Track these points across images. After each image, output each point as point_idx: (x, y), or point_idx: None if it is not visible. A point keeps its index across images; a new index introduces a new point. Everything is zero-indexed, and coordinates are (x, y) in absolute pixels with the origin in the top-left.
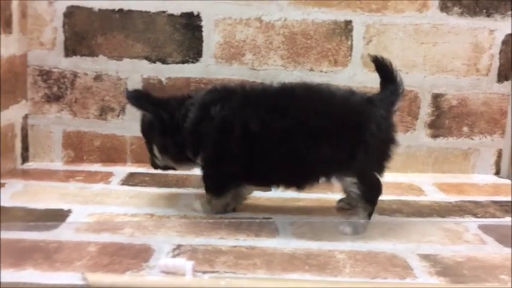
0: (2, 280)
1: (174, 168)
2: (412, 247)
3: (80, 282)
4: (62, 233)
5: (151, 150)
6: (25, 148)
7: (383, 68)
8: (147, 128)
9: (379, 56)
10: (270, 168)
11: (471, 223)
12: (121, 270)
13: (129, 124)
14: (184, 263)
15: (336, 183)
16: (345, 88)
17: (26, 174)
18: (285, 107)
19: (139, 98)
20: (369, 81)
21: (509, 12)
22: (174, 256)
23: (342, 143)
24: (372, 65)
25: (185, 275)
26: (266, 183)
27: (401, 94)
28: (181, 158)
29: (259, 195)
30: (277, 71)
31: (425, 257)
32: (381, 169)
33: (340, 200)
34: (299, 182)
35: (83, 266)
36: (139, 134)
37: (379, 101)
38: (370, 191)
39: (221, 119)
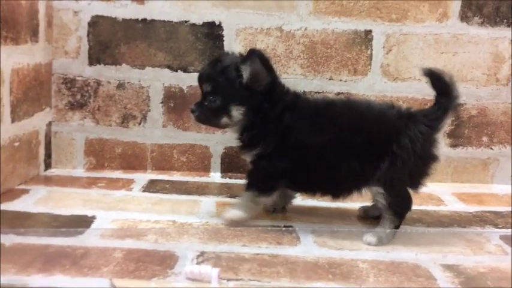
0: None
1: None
2: (434, 257)
3: (108, 287)
4: (88, 239)
5: (226, 110)
6: (48, 155)
7: (437, 81)
8: (240, 87)
9: (434, 69)
10: (312, 177)
11: (492, 233)
12: (147, 276)
13: (150, 132)
14: (210, 271)
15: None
16: (387, 102)
17: (49, 181)
18: (329, 122)
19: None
20: (388, 90)
21: None
22: (198, 263)
23: (370, 153)
24: (392, 74)
25: (211, 282)
26: (306, 189)
27: (452, 109)
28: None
29: None
30: (297, 80)
31: (448, 267)
32: (415, 184)
33: (362, 208)
34: (334, 191)
35: (110, 271)
36: (159, 141)
37: (421, 116)
38: (398, 203)
39: (287, 126)
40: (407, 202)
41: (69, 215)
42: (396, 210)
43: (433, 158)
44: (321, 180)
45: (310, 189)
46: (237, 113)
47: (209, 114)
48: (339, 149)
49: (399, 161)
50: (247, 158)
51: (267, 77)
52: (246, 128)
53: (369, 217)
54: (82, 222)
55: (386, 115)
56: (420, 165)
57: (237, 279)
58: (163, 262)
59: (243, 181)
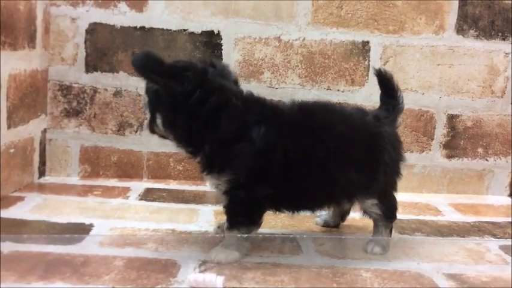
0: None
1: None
2: (436, 266)
3: None
4: (87, 247)
5: (153, 117)
6: (42, 162)
7: (385, 82)
8: (154, 94)
9: (383, 69)
10: (296, 192)
11: (492, 243)
12: (150, 284)
13: (146, 140)
14: (215, 278)
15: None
16: (356, 107)
17: (43, 188)
18: (313, 132)
19: (148, 66)
20: None
21: None
22: (201, 272)
23: (364, 166)
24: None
25: None
26: (288, 207)
27: (401, 110)
28: (185, 140)
29: None
30: (294, 90)
31: (452, 277)
32: (395, 187)
33: (321, 218)
34: (318, 205)
35: (112, 280)
36: (156, 149)
37: (384, 119)
38: (390, 209)
39: (264, 144)
40: (395, 203)
41: (66, 223)
42: (388, 215)
43: (403, 159)
44: (305, 194)
45: (296, 207)
46: (159, 121)
47: (151, 125)
48: (322, 162)
49: (389, 169)
50: (218, 185)
51: (159, 81)
52: (196, 146)
53: (330, 226)
54: (80, 231)
55: (367, 122)
56: (397, 167)
57: None
58: (166, 270)
59: None
